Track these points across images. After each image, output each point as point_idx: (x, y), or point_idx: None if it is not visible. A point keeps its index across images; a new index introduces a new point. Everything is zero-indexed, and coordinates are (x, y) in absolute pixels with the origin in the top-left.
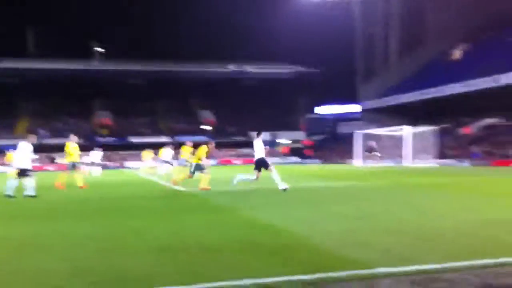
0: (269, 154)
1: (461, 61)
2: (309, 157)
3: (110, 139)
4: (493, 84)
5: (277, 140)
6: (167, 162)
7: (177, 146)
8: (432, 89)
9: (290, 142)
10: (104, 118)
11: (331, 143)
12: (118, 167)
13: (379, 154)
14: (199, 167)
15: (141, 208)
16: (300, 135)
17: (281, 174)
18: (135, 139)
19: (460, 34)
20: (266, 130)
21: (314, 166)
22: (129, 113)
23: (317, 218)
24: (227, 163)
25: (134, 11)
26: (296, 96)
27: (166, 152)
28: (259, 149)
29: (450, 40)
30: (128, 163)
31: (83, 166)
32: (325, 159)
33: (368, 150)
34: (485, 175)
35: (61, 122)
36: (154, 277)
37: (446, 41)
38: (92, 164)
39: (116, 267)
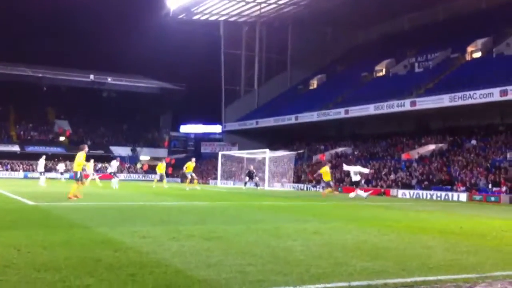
0: (130, 171)
1: (317, 91)
2: (170, 175)
3: None
4: (345, 115)
5: (140, 157)
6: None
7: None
8: (289, 116)
9: (149, 158)
10: None
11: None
12: None
13: (257, 178)
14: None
15: None
16: (163, 152)
17: (137, 191)
18: None
19: (318, 65)
20: (127, 145)
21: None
22: None
23: (167, 237)
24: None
25: None
26: (159, 112)
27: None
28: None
29: (309, 70)
30: None
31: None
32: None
33: (248, 174)
34: (336, 200)
35: None
36: None
37: (305, 70)
38: None
39: None
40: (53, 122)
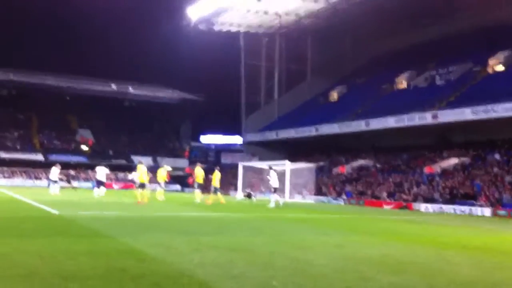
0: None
1: (337, 102)
2: (190, 185)
3: None
4: (365, 128)
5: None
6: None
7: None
8: (309, 127)
9: (170, 169)
10: None
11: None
12: None
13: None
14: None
15: (11, 230)
16: (183, 162)
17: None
18: (3, 154)
19: (338, 76)
20: (148, 155)
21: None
22: None
23: (190, 248)
24: (106, 187)
25: (7, 15)
26: (180, 122)
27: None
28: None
29: (329, 81)
30: None
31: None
32: (206, 189)
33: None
34: (358, 213)
35: None
36: None
37: (325, 81)
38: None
39: None
40: (76, 130)
